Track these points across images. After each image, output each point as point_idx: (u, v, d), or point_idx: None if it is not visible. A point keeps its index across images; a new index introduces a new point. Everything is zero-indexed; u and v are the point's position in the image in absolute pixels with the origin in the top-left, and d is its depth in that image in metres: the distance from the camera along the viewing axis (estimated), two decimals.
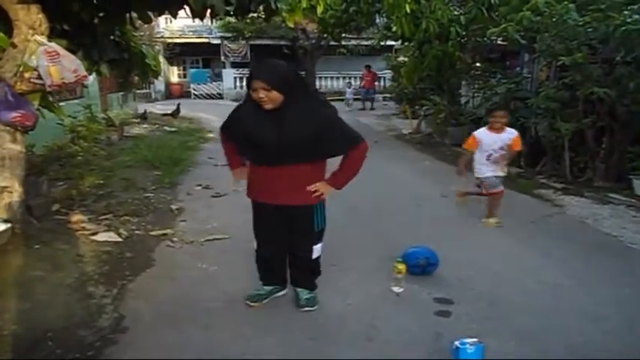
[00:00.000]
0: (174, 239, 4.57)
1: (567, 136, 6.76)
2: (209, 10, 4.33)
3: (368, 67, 19.70)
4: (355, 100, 19.79)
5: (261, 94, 2.72)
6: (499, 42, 9.18)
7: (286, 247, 3.25)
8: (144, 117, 13.75)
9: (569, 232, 5.00)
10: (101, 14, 4.91)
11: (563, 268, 4.04)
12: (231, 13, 4.56)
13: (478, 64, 10.41)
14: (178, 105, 15.75)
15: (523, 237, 4.77)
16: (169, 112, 15.23)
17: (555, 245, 4.54)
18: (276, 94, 2.72)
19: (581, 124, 6.61)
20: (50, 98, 4.60)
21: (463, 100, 11.23)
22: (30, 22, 3.94)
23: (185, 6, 4.38)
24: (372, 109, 18.73)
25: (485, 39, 9.31)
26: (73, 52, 4.25)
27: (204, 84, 24.92)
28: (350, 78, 21.70)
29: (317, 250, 3.21)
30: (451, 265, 3.93)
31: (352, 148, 2.93)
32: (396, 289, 3.49)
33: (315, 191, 2.98)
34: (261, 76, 2.73)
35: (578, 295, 3.55)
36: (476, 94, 9.78)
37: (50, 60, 3.85)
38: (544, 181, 7.00)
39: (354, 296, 3.46)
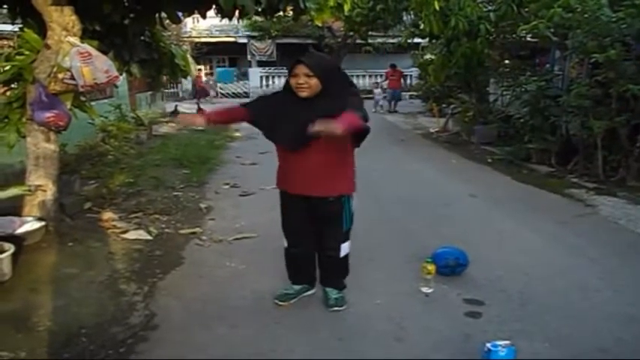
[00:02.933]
0: (203, 238, 4.61)
1: (600, 134, 6.62)
2: (238, 10, 4.35)
3: (393, 65, 18.47)
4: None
5: (302, 79, 2.75)
6: (528, 39, 9.02)
7: (314, 246, 3.25)
8: (175, 113, 13.96)
9: (601, 232, 4.89)
10: (132, 15, 4.98)
11: (595, 268, 3.96)
12: (260, 12, 4.58)
13: (507, 62, 10.25)
14: (198, 105, 15.95)
15: (554, 237, 4.68)
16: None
17: (587, 246, 4.45)
18: (315, 82, 2.76)
19: (614, 122, 6.46)
20: (82, 98, 4.68)
21: (491, 98, 11.08)
22: (63, 23, 4.01)
23: (214, 6, 4.41)
24: (395, 110, 17.61)
25: (514, 36, 9.16)
26: (104, 52, 4.32)
27: (231, 83, 25.11)
28: (377, 77, 21.30)
29: (344, 248, 3.20)
30: (481, 266, 3.88)
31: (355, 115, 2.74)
32: (425, 289, 3.47)
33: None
34: (306, 61, 2.76)
35: (611, 297, 3.48)
36: (505, 92, 9.64)
37: (83, 61, 3.91)
38: (575, 180, 6.86)
39: (383, 296, 3.45)
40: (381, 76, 20.61)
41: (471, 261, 3.81)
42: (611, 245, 4.49)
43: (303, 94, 2.79)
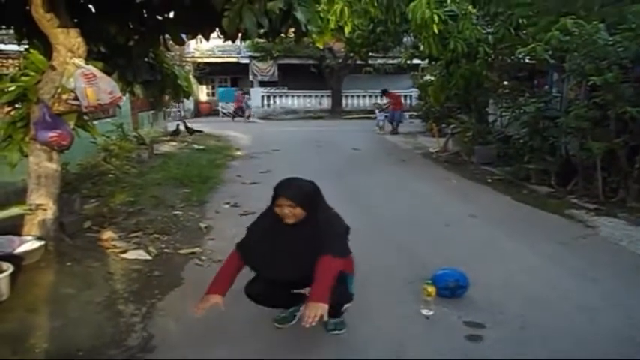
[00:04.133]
0: (203, 257, 4.61)
1: (599, 155, 6.64)
2: (240, 33, 4.40)
3: (385, 91, 18.01)
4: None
5: (286, 209, 2.87)
6: (527, 60, 9.12)
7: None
8: (177, 132, 14.06)
9: (602, 253, 4.88)
10: (136, 37, 5.04)
11: (597, 290, 3.95)
12: (262, 35, 4.63)
13: (506, 83, 10.34)
14: (185, 124, 15.91)
15: (555, 258, 4.67)
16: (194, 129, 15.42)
17: (589, 267, 4.44)
18: (299, 211, 2.88)
19: (612, 144, 6.49)
20: (85, 118, 4.72)
21: (491, 118, 11.15)
22: (69, 45, 4.07)
23: (217, 28, 4.46)
24: (396, 132, 16.92)
25: (513, 58, 9.26)
26: (108, 73, 4.37)
27: (232, 102, 25.21)
28: (377, 97, 21.23)
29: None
30: (481, 288, 3.87)
31: (331, 256, 2.84)
32: (425, 311, 3.45)
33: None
34: (287, 194, 2.88)
35: (614, 318, 3.46)
36: (504, 113, 9.70)
37: (87, 82, 3.96)
38: (575, 201, 6.86)
39: (383, 319, 3.43)
40: (381, 96, 20.31)
41: (471, 283, 3.80)
42: (612, 266, 4.48)
43: (290, 221, 2.90)
